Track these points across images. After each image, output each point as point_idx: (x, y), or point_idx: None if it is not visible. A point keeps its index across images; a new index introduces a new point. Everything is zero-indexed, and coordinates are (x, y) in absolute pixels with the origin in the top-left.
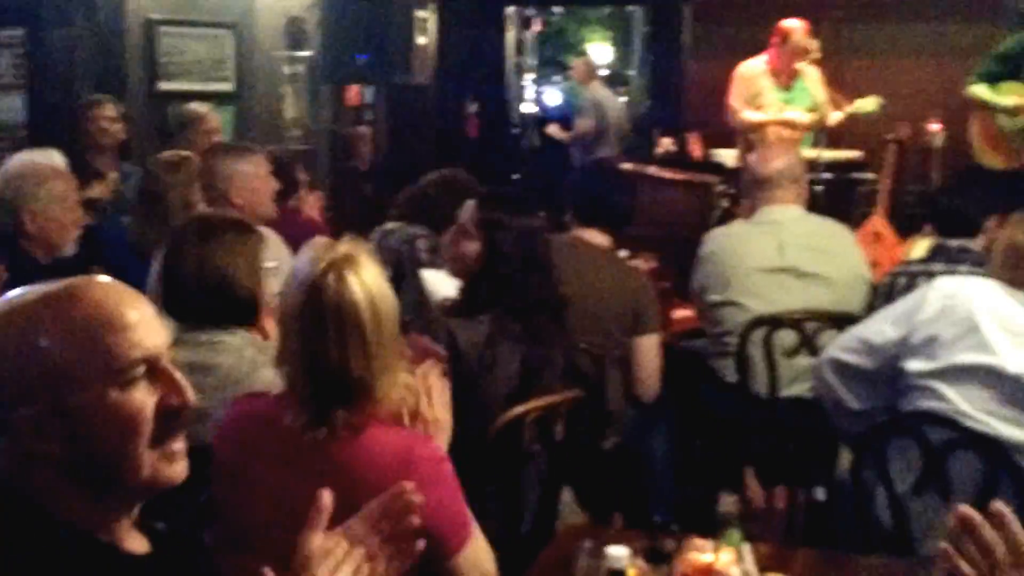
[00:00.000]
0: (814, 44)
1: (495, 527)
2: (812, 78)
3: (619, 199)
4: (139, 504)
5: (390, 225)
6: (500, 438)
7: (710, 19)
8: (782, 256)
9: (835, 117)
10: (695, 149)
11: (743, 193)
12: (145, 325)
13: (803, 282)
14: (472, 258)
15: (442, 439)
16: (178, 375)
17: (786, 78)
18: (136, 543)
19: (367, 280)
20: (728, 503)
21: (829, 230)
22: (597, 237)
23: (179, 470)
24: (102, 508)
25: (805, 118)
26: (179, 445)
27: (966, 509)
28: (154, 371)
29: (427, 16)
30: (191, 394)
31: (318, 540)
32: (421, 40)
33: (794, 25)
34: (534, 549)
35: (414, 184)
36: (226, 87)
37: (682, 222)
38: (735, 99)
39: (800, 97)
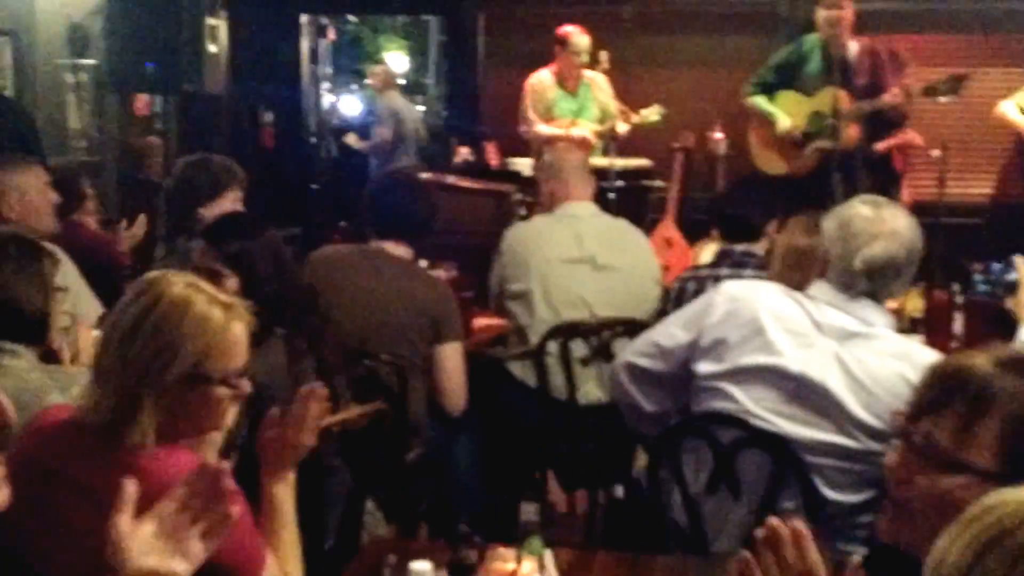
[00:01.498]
0: (603, 55)
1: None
2: (602, 88)
3: (418, 209)
4: None
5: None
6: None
7: (502, 29)
8: (580, 247)
9: (622, 128)
10: (492, 158)
11: (539, 193)
12: None
13: (600, 273)
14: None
15: (293, 462)
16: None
17: (573, 83)
18: None
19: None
20: (529, 511)
21: (623, 227)
22: (397, 248)
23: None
24: None
25: (594, 129)
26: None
27: (775, 523)
28: None
29: (218, 24)
30: (12, 413)
31: (126, 522)
32: (212, 48)
33: (571, 29)
34: (339, 564)
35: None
36: None
37: (481, 231)
38: (528, 111)
39: (590, 107)
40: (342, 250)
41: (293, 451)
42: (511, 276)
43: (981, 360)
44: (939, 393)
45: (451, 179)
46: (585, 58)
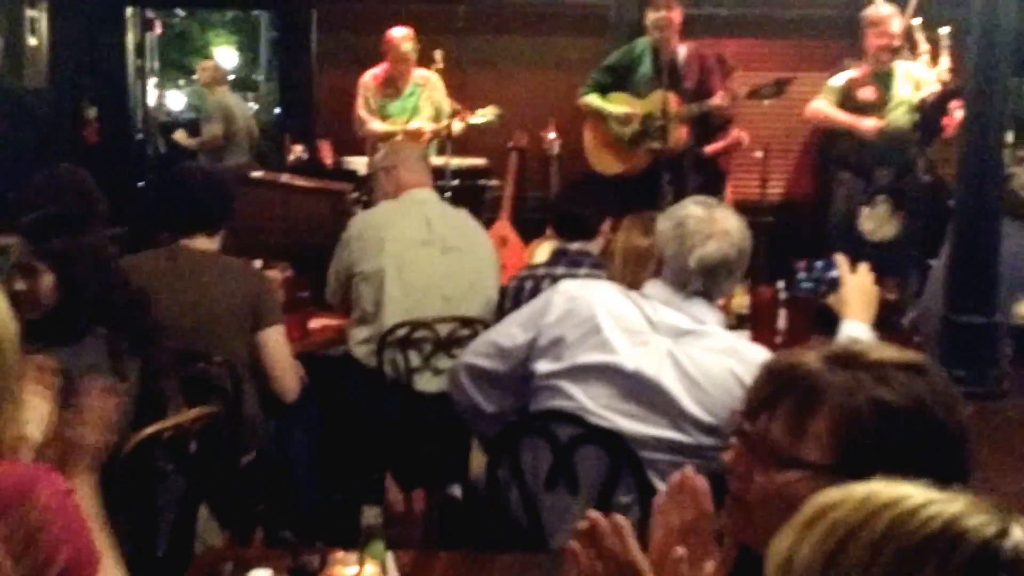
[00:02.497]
0: (438, 54)
1: (130, 552)
2: (435, 87)
3: (214, 200)
4: None
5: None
6: (131, 460)
7: (336, 26)
8: (430, 230)
9: (457, 126)
10: (327, 156)
11: (378, 187)
12: None
13: (448, 256)
14: (48, 295)
15: (82, 462)
16: None
17: (404, 82)
18: None
19: None
20: (370, 515)
21: (464, 214)
22: (201, 243)
23: None
24: None
25: (428, 127)
26: None
27: (595, 515)
28: None
29: (38, 16)
30: None
31: None
32: (32, 41)
33: (398, 34)
34: (171, 574)
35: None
36: None
37: (317, 230)
38: (360, 109)
39: (422, 106)
40: (146, 256)
41: (79, 450)
42: (361, 258)
43: (811, 357)
44: (772, 390)
45: (285, 178)
46: (413, 57)
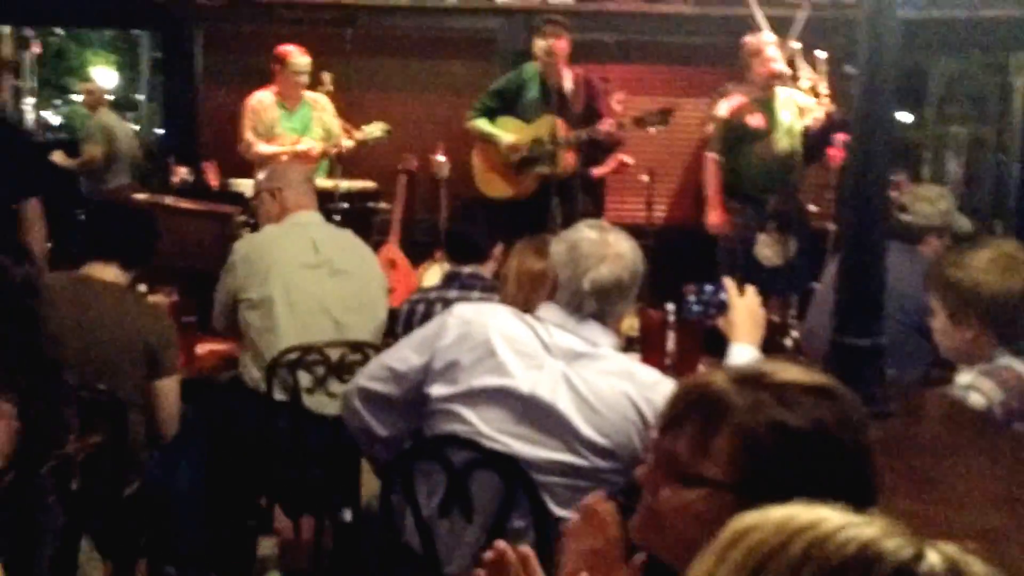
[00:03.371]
0: (326, 76)
1: None
2: (325, 108)
3: (139, 233)
4: None
5: None
6: (11, 492)
7: (220, 46)
8: (317, 253)
9: (347, 144)
10: (212, 178)
11: (263, 209)
12: None
13: (336, 279)
14: None
15: None
16: None
17: (293, 102)
18: None
19: None
20: (266, 546)
21: (350, 235)
22: (109, 273)
23: None
24: None
25: (317, 147)
26: None
27: (502, 546)
28: None
29: None
30: None
31: None
32: None
33: (290, 49)
34: None
35: None
36: None
37: (203, 254)
38: (247, 131)
39: (312, 127)
40: (53, 277)
41: None
42: (247, 284)
43: (719, 377)
44: (681, 408)
45: (169, 200)
46: (305, 78)
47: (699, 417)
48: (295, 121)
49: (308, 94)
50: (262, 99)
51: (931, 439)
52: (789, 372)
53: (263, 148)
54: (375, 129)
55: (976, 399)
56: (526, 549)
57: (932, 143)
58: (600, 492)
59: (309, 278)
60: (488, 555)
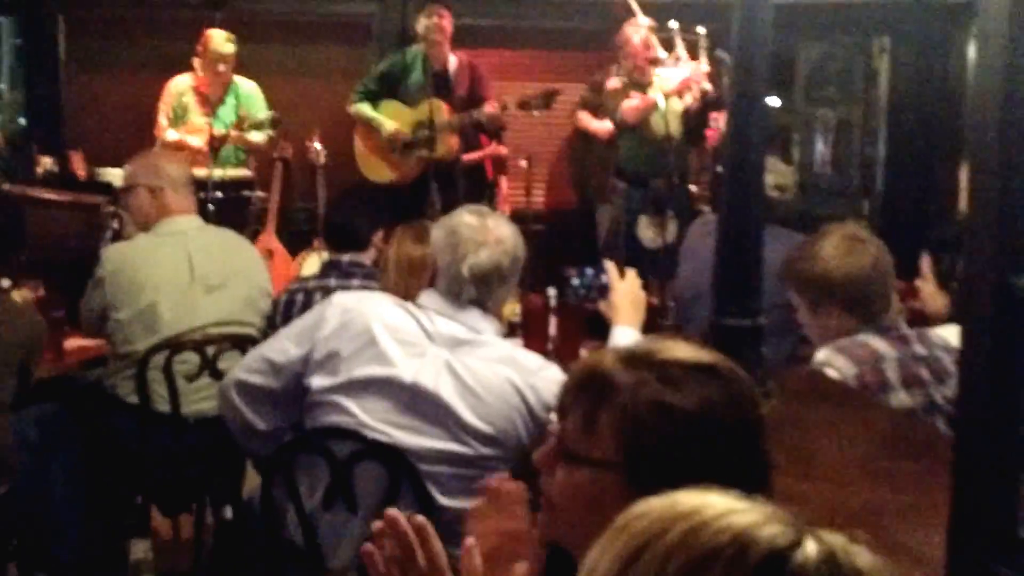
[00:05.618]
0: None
1: None
2: (249, 96)
3: (8, 227)
4: None
5: None
6: None
7: (85, 32)
8: (191, 270)
9: (256, 139)
10: (79, 168)
11: (138, 205)
12: None
13: (212, 296)
14: None
15: None
16: None
17: (214, 89)
18: None
19: None
20: (140, 548)
21: (230, 238)
22: None
23: None
24: None
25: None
26: None
27: (393, 512)
28: None
29: None
30: None
31: None
32: None
33: (212, 32)
34: None
35: None
36: None
37: (70, 246)
38: (161, 115)
39: (230, 113)
40: None
41: None
42: (116, 302)
43: (608, 357)
44: (574, 390)
45: (34, 191)
46: (224, 65)
47: (587, 397)
48: (212, 107)
49: (238, 81)
50: (178, 83)
51: (801, 415)
52: (677, 350)
53: (171, 135)
54: (264, 119)
55: (831, 375)
56: (420, 518)
57: (800, 126)
58: (504, 474)
59: (181, 299)
60: (377, 525)
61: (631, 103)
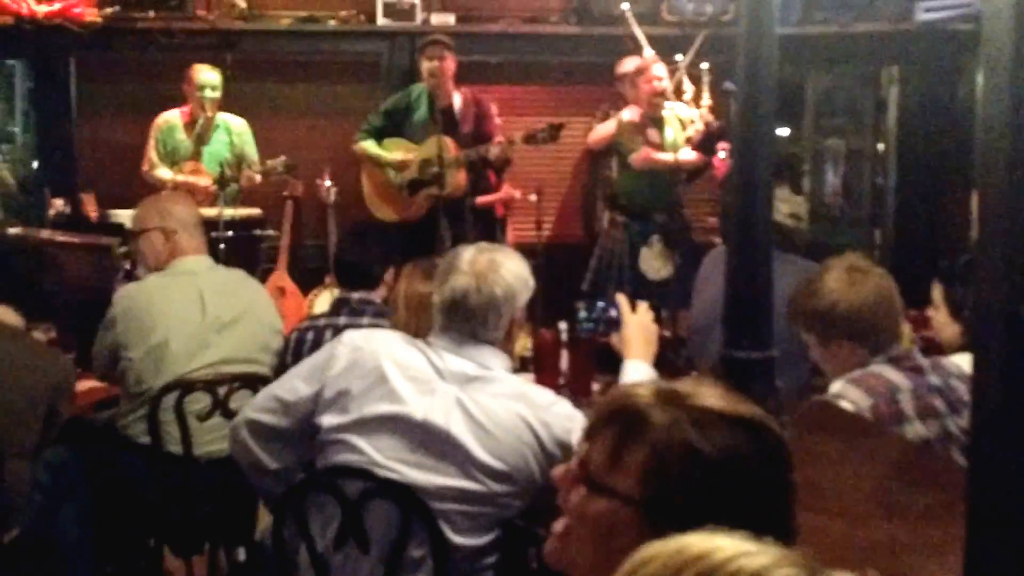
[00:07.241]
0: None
1: None
2: (239, 133)
3: (27, 271)
4: None
5: None
6: None
7: (96, 75)
8: (203, 310)
9: (253, 176)
10: (91, 210)
11: (150, 248)
12: None
13: (223, 334)
14: None
15: None
16: None
17: (203, 124)
18: None
19: None
20: None
21: (240, 278)
22: (8, 316)
23: None
24: None
25: (212, 185)
26: None
27: None
28: None
29: None
30: None
31: None
32: None
33: (198, 66)
34: None
35: None
36: None
37: (82, 287)
38: (151, 151)
39: (221, 150)
40: None
41: None
42: (128, 343)
43: (643, 391)
44: (603, 418)
45: (46, 234)
46: (211, 96)
47: (617, 428)
48: (202, 144)
49: (226, 118)
50: (168, 119)
51: (814, 447)
52: (712, 397)
53: (163, 174)
54: (278, 164)
55: (845, 408)
56: None
57: (810, 156)
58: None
59: (194, 340)
60: None
61: (643, 155)
